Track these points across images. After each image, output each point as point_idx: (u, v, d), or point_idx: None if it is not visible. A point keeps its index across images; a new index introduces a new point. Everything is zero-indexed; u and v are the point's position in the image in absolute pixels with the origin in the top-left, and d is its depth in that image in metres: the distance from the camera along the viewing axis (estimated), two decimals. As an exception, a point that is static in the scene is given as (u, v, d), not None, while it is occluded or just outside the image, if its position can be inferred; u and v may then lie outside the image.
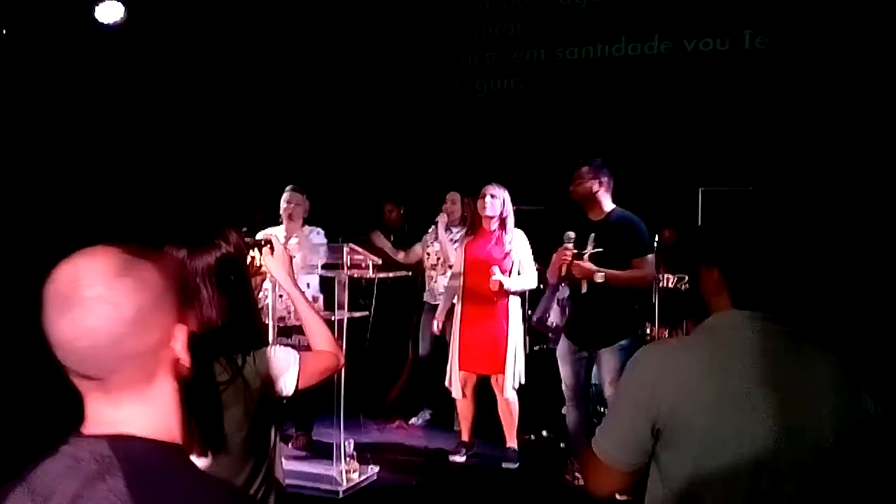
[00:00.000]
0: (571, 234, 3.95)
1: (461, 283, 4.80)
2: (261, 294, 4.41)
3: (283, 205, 4.94)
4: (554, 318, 5.09)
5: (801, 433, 1.36)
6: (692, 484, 1.40)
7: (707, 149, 5.69)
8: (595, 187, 4.06)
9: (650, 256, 4.06)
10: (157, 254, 0.98)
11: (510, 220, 4.66)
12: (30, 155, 5.20)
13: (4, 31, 5.24)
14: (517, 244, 4.65)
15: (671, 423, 1.40)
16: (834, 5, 5.47)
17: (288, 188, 4.98)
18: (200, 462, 1.57)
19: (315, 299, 4.71)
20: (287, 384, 1.80)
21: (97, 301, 0.89)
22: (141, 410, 0.94)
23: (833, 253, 4.55)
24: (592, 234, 4.00)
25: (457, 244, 5.04)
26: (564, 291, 4.76)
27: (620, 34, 6.24)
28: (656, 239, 5.02)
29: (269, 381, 1.75)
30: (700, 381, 1.40)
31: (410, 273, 5.11)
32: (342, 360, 2.05)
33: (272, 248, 2.01)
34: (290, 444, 4.81)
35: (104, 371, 0.91)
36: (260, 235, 4.59)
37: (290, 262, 2.04)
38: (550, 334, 5.26)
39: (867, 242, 4.87)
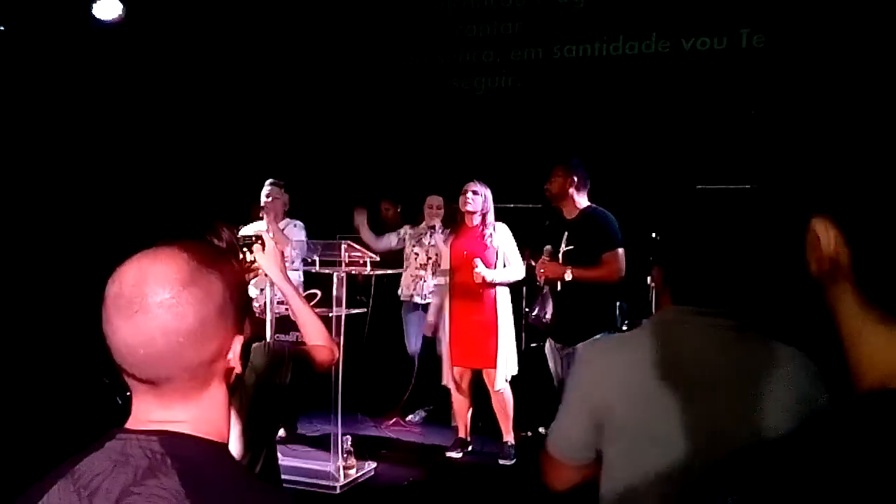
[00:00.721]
0: (549, 248, 4.17)
1: (448, 280, 4.84)
2: (258, 292, 4.43)
3: (262, 199, 4.95)
4: (551, 314, 5.11)
5: (739, 428, 1.33)
6: (630, 478, 1.41)
7: (704, 147, 5.70)
8: (567, 186, 4.18)
9: (620, 251, 4.10)
10: (222, 259, 0.97)
11: (490, 215, 4.70)
12: (27, 151, 5.20)
13: (2, 28, 5.24)
14: (500, 237, 4.67)
15: (609, 419, 1.42)
16: (831, 4, 5.48)
17: (268, 182, 4.99)
18: None
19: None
20: (281, 377, 1.80)
21: (161, 308, 0.88)
22: (191, 413, 0.94)
23: (785, 250, 4.56)
24: (566, 233, 4.14)
25: (433, 247, 5.12)
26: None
27: (618, 33, 6.25)
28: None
29: (263, 375, 1.75)
30: (636, 378, 1.40)
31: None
32: (336, 354, 2.07)
33: (263, 245, 2.02)
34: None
35: (160, 378, 0.91)
36: (248, 230, 4.64)
37: (281, 258, 2.05)
38: (547, 331, 5.27)
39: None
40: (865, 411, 0.77)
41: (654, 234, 4.25)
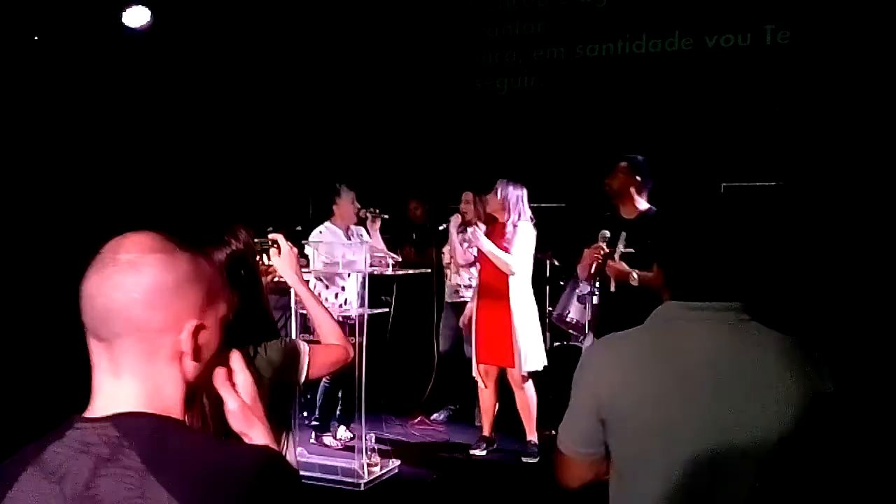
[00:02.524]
0: (606, 233, 3.84)
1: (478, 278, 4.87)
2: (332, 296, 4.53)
3: (350, 204, 4.94)
4: (574, 314, 5.12)
5: (742, 417, 1.33)
6: (636, 472, 1.43)
7: (729, 145, 5.67)
8: (629, 184, 4.00)
9: None
10: (201, 251, 1.04)
11: (524, 215, 4.69)
12: (60, 154, 5.33)
13: (36, 38, 5.38)
14: (517, 234, 4.65)
15: (612, 413, 1.43)
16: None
17: (345, 187, 5.00)
18: None
19: (347, 301, 4.82)
20: (298, 374, 1.86)
21: (126, 265, 0.96)
22: (140, 386, 0.98)
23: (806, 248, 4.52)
24: (623, 234, 3.89)
25: (467, 243, 5.10)
26: (584, 288, 4.77)
27: (641, 31, 6.23)
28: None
29: (280, 372, 1.80)
30: (638, 371, 1.42)
31: (430, 270, 5.16)
32: (351, 353, 2.12)
33: (279, 249, 2.06)
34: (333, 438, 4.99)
35: (111, 332, 0.96)
36: (314, 236, 4.71)
37: (296, 261, 2.10)
38: (571, 330, 5.29)
39: (861, 242, 4.86)
40: None
41: (647, 241, 4.02)
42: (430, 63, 6.90)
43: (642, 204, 4.00)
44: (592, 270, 3.85)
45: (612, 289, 3.84)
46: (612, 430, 1.44)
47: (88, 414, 0.98)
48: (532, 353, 4.69)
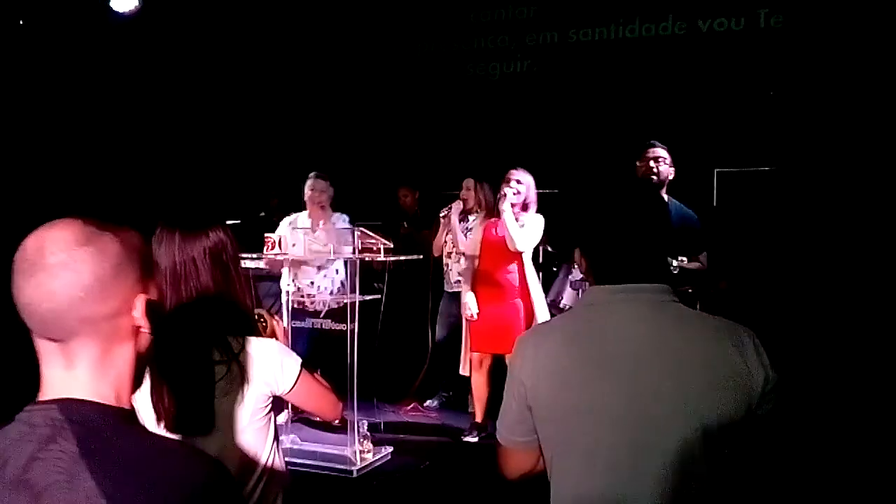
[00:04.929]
0: None
1: (475, 266, 4.82)
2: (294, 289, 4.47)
3: (307, 192, 4.88)
4: (567, 300, 5.09)
5: (662, 394, 1.33)
6: (560, 457, 1.43)
7: (723, 130, 5.65)
8: (672, 174, 3.98)
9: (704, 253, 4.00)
10: (119, 227, 1.03)
11: (531, 206, 4.62)
12: (46, 140, 5.28)
13: (22, 22, 5.31)
14: (527, 221, 4.60)
15: (536, 399, 1.44)
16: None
17: (312, 175, 4.92)
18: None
19: (343, 285, 4.75)
20: (280, 386, 1.75)
21: (58, 267, 0.94)
22: (93, 375, 0.98)
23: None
24: None
25: (470, 232, 5.04)
26: (577, 274, 4.76)
27: (634, 15, 6.20)
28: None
29: (264, 372, 1.72)
30: (561, 355, 1.43)
31: (422, 257, 5.12)
32: (339, 415, 2.04)
33: (265, 326, 1.93)
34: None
35: (64, 333, 0.96)
36: (287, 224, 4.61)
37: (284, 335, 1.98)
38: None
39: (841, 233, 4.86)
40: None
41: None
42: (421, 48, 6.85)
43: (664, 194, 3.96)
44: None
45: None
46: (538, 415, 1.45)
47: (40, 398, 0.98)
48: None
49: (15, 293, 0.96)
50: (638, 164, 4.07)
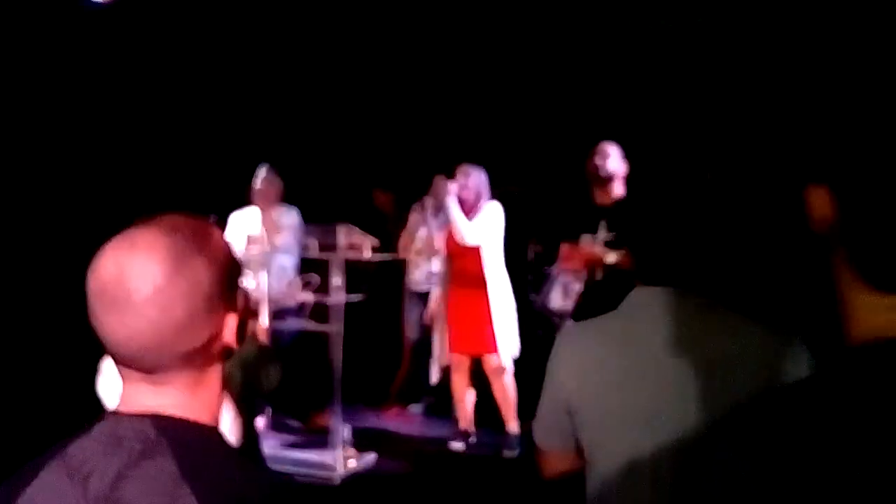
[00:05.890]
0: (596, 237, 3.83)
1: (445, 267, 4.78)
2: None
3: (256, 184, 4.85)
4: (557, 301, 5.01)
5: (705, 401, 1.31)
6: (603, 461, 1.41)
7: (706, 130, 5.60)
8: (621, 169, 3.93)
9: None
10: (205, 238, 0.91)
11: (483, 200, 4.58)
12: (15, 134, 5.10)
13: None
14: (482, 210, 4.55)
15: (579, 403, 1.42)
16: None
17: (261, 166, 4.89)
18: None
19: (290, 283, 4.63)
20: (267, 381, 1.71)
21: (146, 306, 0.85)
22: (185, 396, 0.91)
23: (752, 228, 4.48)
24: (603, 220, 3.82)
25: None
26: (567, 276, 4.68)
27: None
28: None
29: (247, 371, 1.66)
30: (604, 359, 1.41)
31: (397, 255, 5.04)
32: None
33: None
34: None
35: (154, 367, 0.88)
36: (240, 216, 4.54)
37: (264, 333, 1.96)
38: (554, 318, 5.18)
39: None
40: (847, 374, 0.74)
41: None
42: (395, 44, 6.72)
43: (619, 191, 3.92)
44: (562, 269, 4.01)
45: (598, 276, 3.83)
46: (579, 418, 1.43)
47: (121, 410, 0.90)
48: (511, 339, 4.62)
49: (95, 325, 0.87)
50: (587, 161, 4.00)
